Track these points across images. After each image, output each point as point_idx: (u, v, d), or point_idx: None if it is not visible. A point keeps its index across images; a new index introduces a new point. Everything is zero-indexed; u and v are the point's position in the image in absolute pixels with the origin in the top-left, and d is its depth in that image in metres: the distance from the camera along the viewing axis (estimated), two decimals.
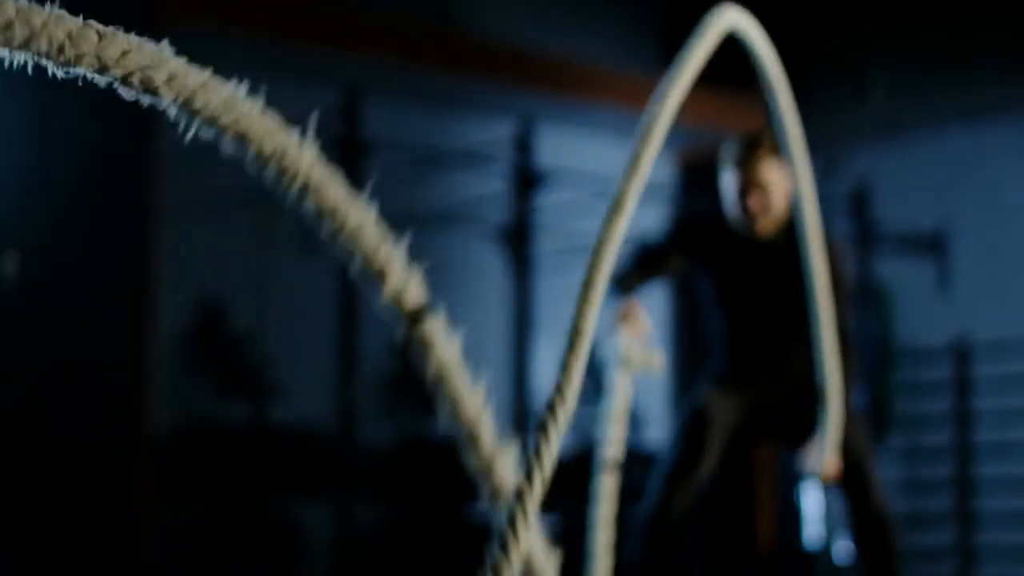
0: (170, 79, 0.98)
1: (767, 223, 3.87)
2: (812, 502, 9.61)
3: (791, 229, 3.88)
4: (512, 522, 1.24)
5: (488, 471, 1.19)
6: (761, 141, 3.84)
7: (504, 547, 1.26)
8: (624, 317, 3.59)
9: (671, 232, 4.06)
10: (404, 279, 1.10)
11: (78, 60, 0.95)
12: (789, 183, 3.86)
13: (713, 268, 3.96)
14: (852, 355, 3.84)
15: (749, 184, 3.84)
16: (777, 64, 2.60)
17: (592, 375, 9.25)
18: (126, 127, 7.00)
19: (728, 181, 3.88)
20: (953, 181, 10.00)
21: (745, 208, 3.85)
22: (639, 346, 3.41)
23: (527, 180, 8.44)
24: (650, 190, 9.99)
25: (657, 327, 10.56)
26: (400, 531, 8.67)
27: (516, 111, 9.06)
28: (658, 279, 4.05)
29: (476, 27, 9.71)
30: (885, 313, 10.05)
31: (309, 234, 9.05)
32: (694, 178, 10.28)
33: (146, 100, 1.06)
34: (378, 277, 1.10)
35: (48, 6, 0.98)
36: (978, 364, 9.85)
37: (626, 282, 3.92)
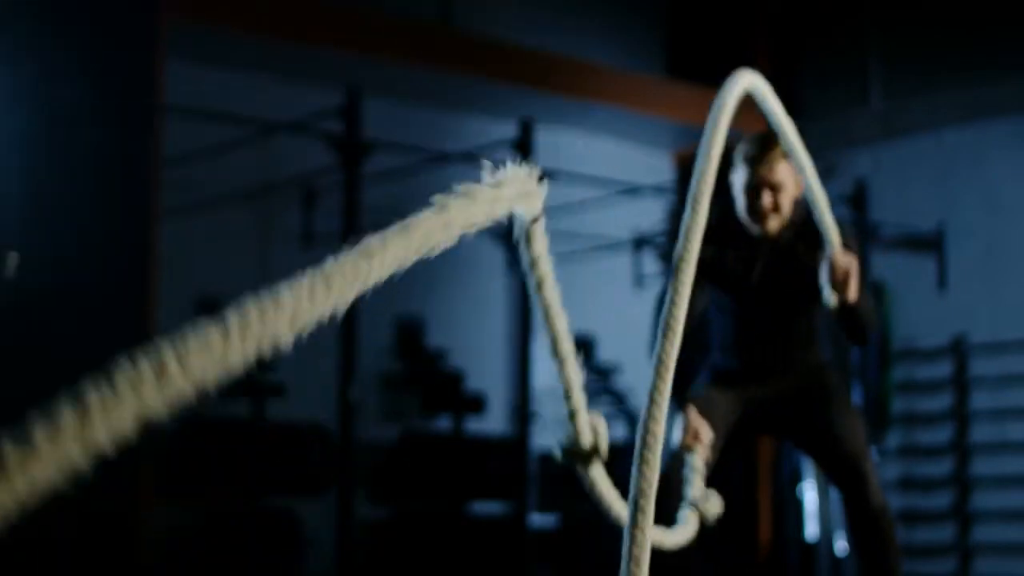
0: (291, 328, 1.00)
1: (776, 223, 3.88)
2: (813, 497, 9.63)
3: (796, 228, 3.89)
4: None
5: None
6: (775, 141, 3.84)
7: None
8: (691, 441, 3.59)
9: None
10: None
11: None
12: (799, 185, 3.87)
13: (719, 275, 3.96)
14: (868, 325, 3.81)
15: (761, 184, 3.84)
16: (787, 120, 2.70)
17: (596, 375, 9.24)
18: (126, 127, 7.01)
19: (739, 180, 3.88)
20: (951, 181, 10.02)
21: (755, 208, 3.86)
22: (707, 492, 3.42)
23: None
24: (650, 189, 10.02)
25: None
26: (400, 527, 8.68)
27: (516, 111, 9.07)
28: (693, 320, 3.97)
29: (476, 27, 9.72)
30: (884, 312, 10.06)
31: (309, 232, 9.09)
32: (691, 176, 10.30)
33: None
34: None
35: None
36: (975, 363, 9.87)
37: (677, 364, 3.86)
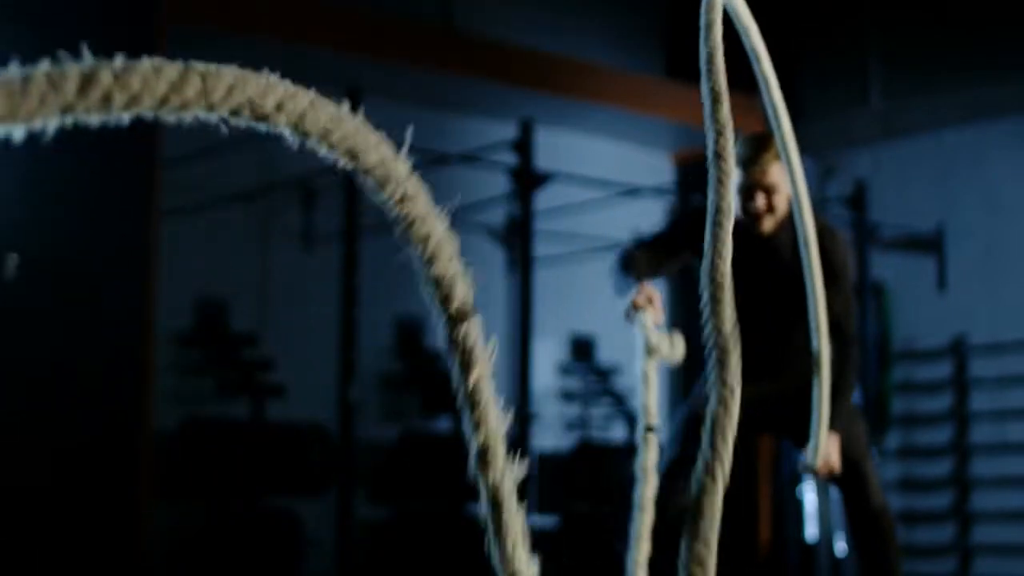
0: (279, 106, 1.01)
1: (770, 224, 3.88)
2: (813, 498, 9.63)
3: (792, 227, 3.89)
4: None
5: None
6: (768, 143, 3.84)
7: None
8: (642, 301, 3.52)
9: (673, 221, 4.03)
10: (461, 287, 1.26)
11: (185, 107, 0.96)
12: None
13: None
14: (850, 347, 3.84)
15: (755, 186, 3.84)
16: (761, 44, 2.64)
17: (597, 376, 9.19)
18: (126, 127, 7.01)
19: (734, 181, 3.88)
20: (951, 181, 10.02)
21: (750, 209, 3.86)
22: (661, 332, 3.35)
23: (527, 181, 8.46)
24: (649, 190, 10.02)
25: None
26: (400, 527, 8.68)
27: (516, 111, 9.08)
28: (662, 268, 3.99)
29: (476, 28, 9.73)
30: (883, 313, 10.07)
31: (309, 232, 9.09)
32: (691, 176, 10.31)
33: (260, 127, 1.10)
34: (435, 283, 1.24)
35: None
36: (975, 363, 9.87)
37: (634, 266, 3.84)
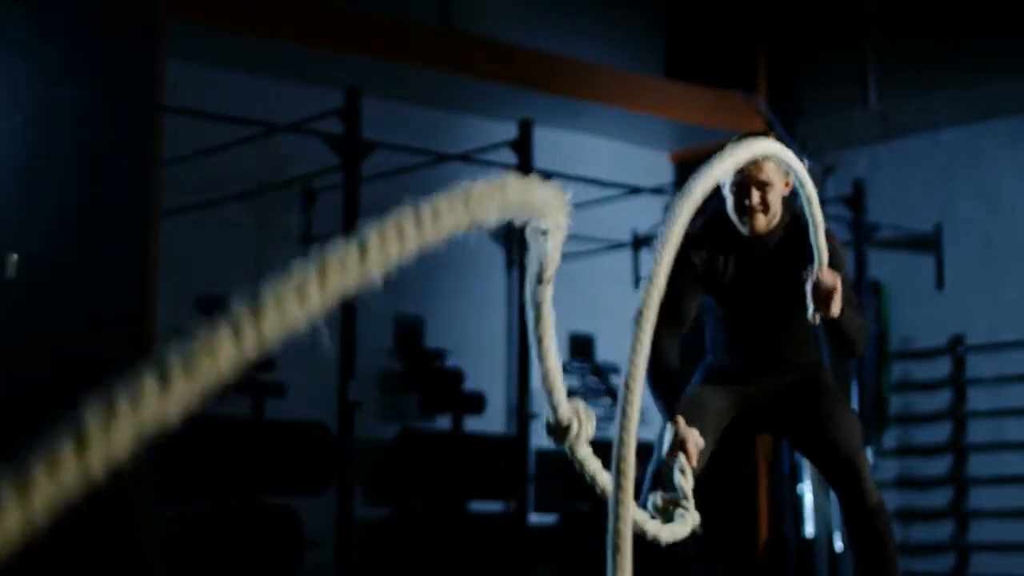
0: None
1: (763, 222, 3.89)
2: (811, 496, 9.65)
3: (785, 227, 3.91)
4: None
5: None
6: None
7: None
8: (675, 449, 3.60)
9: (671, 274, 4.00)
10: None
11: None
12: (788, 183, 3.88)
13: (712, 273, 3.97)
14: (855, 335, 3.84)
15: (750, 183, 3.85)
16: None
17: (595, 375, 9.22)
18: (126, 127, 7.03)
19: (728, 178, 3.88)
20: (949, 181, 10.04)
21: (743, 207, 3.87)
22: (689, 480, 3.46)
23: None
24: (649, 190, 10.01)
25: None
26: (399, 526, 8.70)
27: (516, 111, 9.09)
28: (687, 326, 3.99)
29: (476, 27, 9.74)
30: (882, 312, 10.09)
31: (309, 232, 9.10)
32: (689, 175, 10.33)
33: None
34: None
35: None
36: (973, 363, 9.89)
37: (665, 385, 3.84)
